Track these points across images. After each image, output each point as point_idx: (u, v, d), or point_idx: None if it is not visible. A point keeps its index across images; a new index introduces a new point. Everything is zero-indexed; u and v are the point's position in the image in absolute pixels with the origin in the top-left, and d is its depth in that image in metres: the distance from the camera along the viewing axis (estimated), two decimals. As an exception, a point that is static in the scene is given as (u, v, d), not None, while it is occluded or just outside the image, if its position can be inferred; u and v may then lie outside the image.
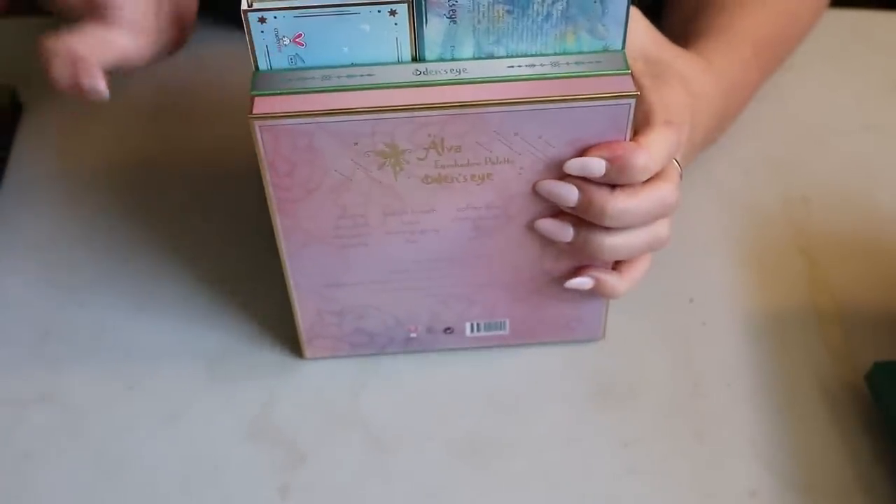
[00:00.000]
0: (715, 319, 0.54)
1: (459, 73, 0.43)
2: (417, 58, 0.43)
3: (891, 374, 0.49)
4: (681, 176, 0.47)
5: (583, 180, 0.44)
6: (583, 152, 0.43)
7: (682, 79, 0.49)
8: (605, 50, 0.43)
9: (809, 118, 0.65)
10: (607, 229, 0.45)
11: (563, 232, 0.46)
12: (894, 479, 0.47)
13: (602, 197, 0.44)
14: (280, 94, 0.42)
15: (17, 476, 0.48)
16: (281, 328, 0.53)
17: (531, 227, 0.46)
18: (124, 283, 0.56)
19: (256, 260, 0.57)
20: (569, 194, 0.44)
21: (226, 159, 0.62)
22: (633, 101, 0.42)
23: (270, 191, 0.44)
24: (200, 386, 0.52)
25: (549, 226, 0.46)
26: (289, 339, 0.53)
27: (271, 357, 0.53)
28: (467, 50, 0.43)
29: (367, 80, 0.42)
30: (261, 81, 0.42)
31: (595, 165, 0.43)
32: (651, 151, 0.44)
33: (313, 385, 0.52)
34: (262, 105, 0.42)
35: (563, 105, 0.42)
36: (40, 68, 0.66)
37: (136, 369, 0.52)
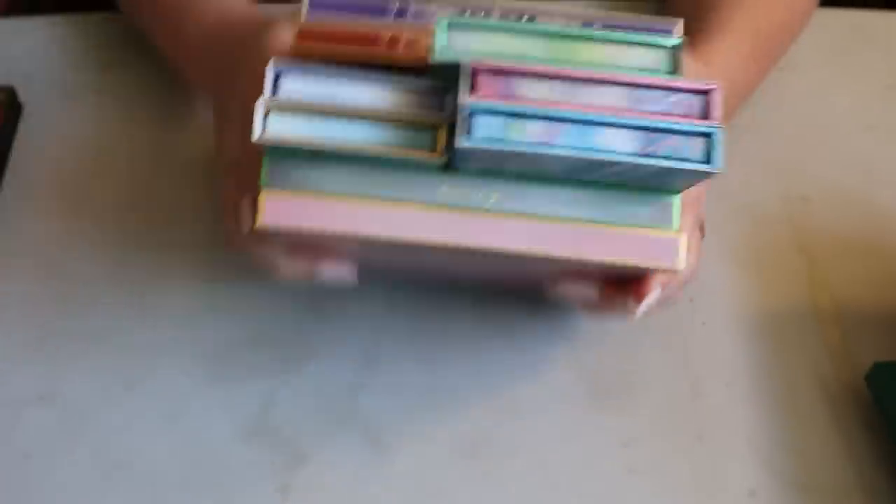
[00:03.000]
0: (714, 319, 0.54)
1: (491, 197, 0.39)
2: (449, 164, 0.39)
3: (891, 374, 0.49)
4: (702, 233, 0.48)
5: (602, 279, 0.44)
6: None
7: None
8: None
9: (809, 118, 0.65)
10: None
11: (587, 292, 0.46)
12: (894, 479, 0.47)
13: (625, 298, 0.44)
14: (293, 193, 0.39)
15: (17, 476, 0.48)
16: (281, 328, 0.53)
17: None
18: (124, 283, 0.56)
19: (256, 260, 0.57)
20: (589, 295, 0.45)
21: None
22: (675, 266, 0.40)
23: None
24: (200, 386, 0.52)
25: (571, 290, 0.46)
26: (289, 340, 0.53)
27: (271, 357, 0.53)
28: (506, 174, 0.40)
29: (388, 192, 0.39)
30: (273, 171, 0.39)
31: (654, 299, 0.43)
32: (683, 252, 0.43)
33: (313, 385, 0.52)
34: (273, 210, 0.39)
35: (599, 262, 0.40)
36: (40, 68, 0.66)
37: (136, 369, 0.52)
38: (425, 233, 0.39)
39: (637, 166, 0.37)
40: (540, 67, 0.37)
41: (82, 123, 0.65)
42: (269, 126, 0.38)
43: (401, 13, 0.40)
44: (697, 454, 0.49)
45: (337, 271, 0.45)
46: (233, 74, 0.50)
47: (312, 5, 0.40)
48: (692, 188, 0.45)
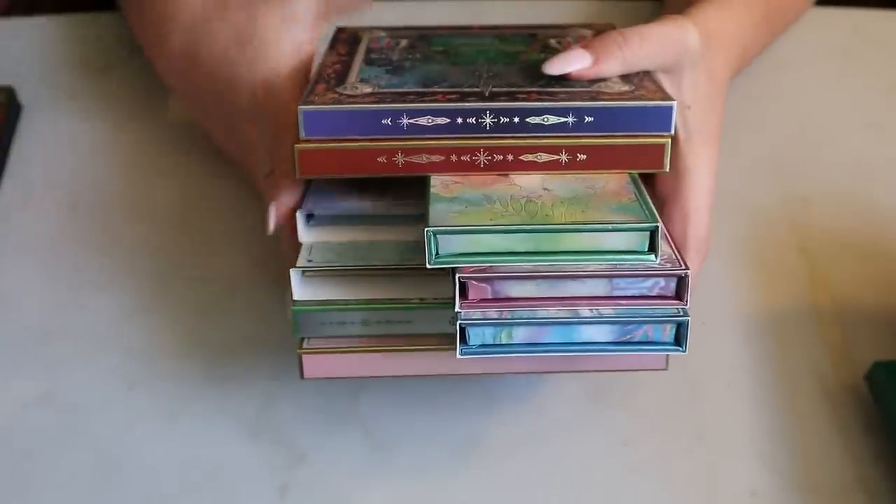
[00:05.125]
0: (715, 319, 0.54)
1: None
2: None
3: (891, 374, 0.49)
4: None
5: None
6: None
7: (705, 64, 0.50)
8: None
9: (809, 118, 0.65)
10: None
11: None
12: (894, 479, 0.48)
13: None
14: (327, 352, 0.44)
15: (17, 476, 0.48)
16: (281, 328, 0.53)
17: None
18: (124, 283, 0.56)
19: (257, 259, 0.57)
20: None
21: (226, 158, 0.62)
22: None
23: None
24: (200, 385, 0.52)
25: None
26: (289, 340, 0.53)
27: (271, 357, 0.53)
28: None
29: (406, 329, 0.44)
30: (303, 322, 0.44)
31: None
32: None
33: (313, 385, 0.52)
34: (311, 366, 0.44)
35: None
36: (40, 68, 0.66)
37: (136, 369, 0.52)
38: (447, 369, 0.44)
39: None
40: (523, 268, 0.40)
41: (82, 123, 0.65)
42: (301, 290, 0.43)
43: (395, 127, 0.43)
44: (697, 454, 0.49)
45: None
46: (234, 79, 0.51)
47: (307, 130, 0.43)
48: (702, 197, 0.48)
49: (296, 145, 0.43)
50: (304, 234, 0.45)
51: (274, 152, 0.49)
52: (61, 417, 0.51)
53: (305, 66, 0.52)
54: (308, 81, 0.52)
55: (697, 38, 0.49)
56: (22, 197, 0.61)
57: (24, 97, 0.66)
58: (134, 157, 0.63)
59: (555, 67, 0.45)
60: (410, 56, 0.50)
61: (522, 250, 0.40)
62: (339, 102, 0.43)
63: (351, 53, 0.51)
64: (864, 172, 0.62)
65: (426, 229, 0.40)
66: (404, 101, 0.43)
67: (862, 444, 0.49)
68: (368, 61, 0.49)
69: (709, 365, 0.52)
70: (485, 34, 0.54)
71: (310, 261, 0.43)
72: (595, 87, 0.44)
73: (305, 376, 0.44)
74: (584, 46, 0.46)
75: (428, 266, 0.40)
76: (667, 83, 0.48)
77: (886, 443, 0.49)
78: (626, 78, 0.46)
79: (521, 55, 0.50)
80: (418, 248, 0.41)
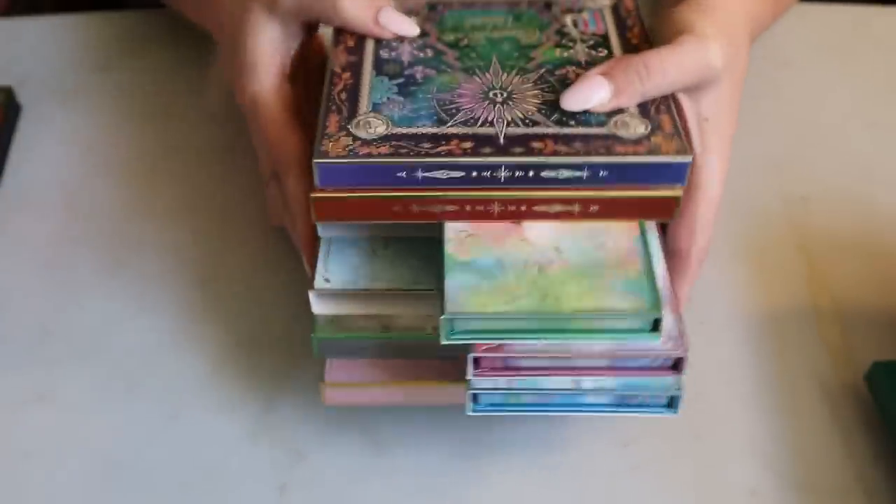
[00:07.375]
0: (714, 319, 0.54)
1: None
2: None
3: (891, 373, 0.49)
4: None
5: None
6: None
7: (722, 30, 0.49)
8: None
9: (809, 117, 0.65)
10: None
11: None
12: (894, 479, 0.48)
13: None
14: (348, 385, 0.46)
15: (17, 476, 0.48)
16: (281, 328, 0.54)
17: None
18: (124, 282, 0.56)
19: (257, 260, 0.57)
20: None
21: (226, 159, 0.62)
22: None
23: None
24: (200, 386, 0.52)
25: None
26: (289, 339, 0.53)
27: (271, 357, 0.53)
28: None
29: (421, 353, 0.46)
30: (323, 347, 0.46)
31: None
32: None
33: (313, 385, 0.52)
34: (332, 396, 0.46)
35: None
36: (39, 68, 0.66)
37: (136, 369, 0.52)
38: (463, 399, 0.44)
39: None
40: (533, 346, 0.42)
41: (81, 123, 0.65)
42: (318, 306, 0.45)
43: (410, 179, 0.43)
44: (697, 454, 0.49)
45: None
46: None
47: (322, 181, 0.43)
48: (709, 210, 0.49)
49: (311, 194, 0.43)
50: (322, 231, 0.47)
51: (271, 151, 0.49)
52: (61, 417, 0.51)
53: (280, 62, 0.51)
54: (282, 71, 0.51)
55: (720, 55, 0.47)
56: (21, 197, 0.61)
57: (24, 97, 0.66)
58: (134, 157, 0.63)
59: (573, 103, 0.45)
60: (422, 57, 0.49)
61: (533, 328, 0.42)
62: (354, 152, 0.43)
63: (359, 49, 0.49)
64: (864, 172, 0.62)
65: (442, 317, 0.41)
66: (419, 154, 0.43)
67: (862, 444, 0.49)
68: (378, 66, 0.48)
69: (709, 365, 0.52)
70: (498, 8, 0.53)
71: (327, 280, 0.45)
72: (611, 126, 0.44)
73: (327, 403, 0.46)
74: (605, 74, 0.45)
75: (442, 343, 0.42)
76: (687, 102, 0.47)
77: (886, 443, 0.49)
78: (643, 109, 0.45)
79: (535, 50, 0.49)
80: (431, 266, 0.43)
